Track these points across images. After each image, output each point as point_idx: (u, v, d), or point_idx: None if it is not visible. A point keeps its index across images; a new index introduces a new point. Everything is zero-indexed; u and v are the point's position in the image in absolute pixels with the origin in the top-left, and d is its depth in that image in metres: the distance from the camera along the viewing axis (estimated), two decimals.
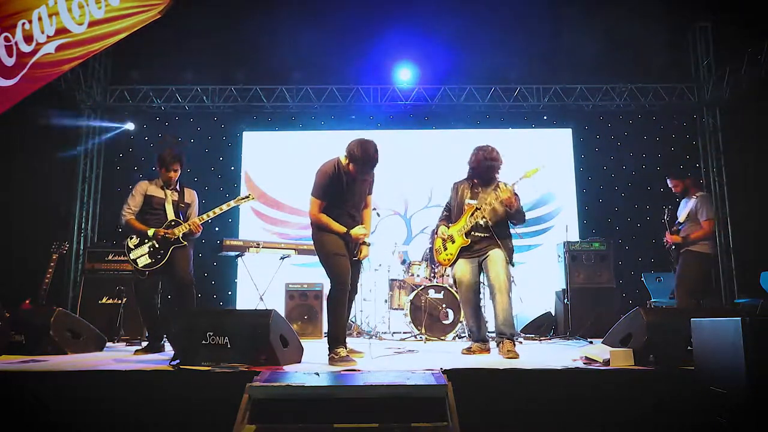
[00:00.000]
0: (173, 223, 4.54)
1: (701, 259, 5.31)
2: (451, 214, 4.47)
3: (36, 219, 7.40)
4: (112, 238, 7.30)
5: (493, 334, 4.21)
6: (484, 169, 4.27)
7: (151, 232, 4.43)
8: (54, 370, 3.25)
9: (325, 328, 5.27)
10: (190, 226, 4.49)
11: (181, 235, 4.47)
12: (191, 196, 4.79)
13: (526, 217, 4.40)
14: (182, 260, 4.49)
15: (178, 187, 4.71)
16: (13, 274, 6.55)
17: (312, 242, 4.05)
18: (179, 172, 4.63)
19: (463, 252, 4.30)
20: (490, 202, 4.17)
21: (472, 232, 4.25)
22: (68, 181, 7.93)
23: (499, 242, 4.17)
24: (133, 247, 4.48)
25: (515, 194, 4.15)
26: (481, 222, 4.21)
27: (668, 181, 5.73)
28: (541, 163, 4.16)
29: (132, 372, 3.18)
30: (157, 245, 4.44)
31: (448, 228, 4.40)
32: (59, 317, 4.35)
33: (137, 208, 4.55)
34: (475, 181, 4.39)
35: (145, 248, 4.45)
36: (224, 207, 4.65)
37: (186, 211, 4.71)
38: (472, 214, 4.23)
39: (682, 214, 5.47)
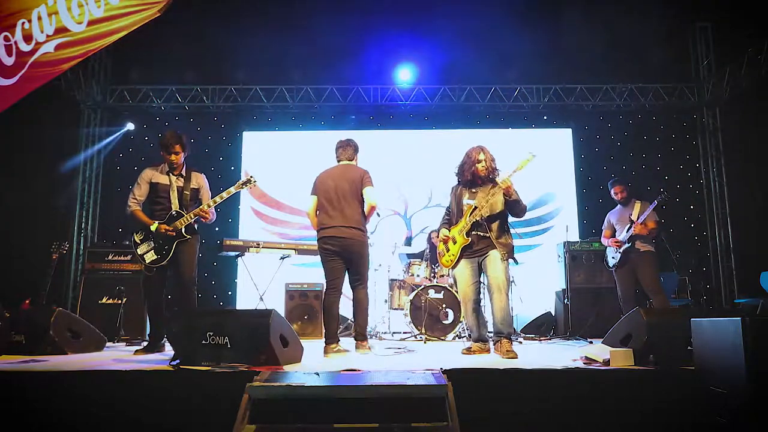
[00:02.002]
0: (175, 214, 4.39)
1: (656, 258, 5.52)
2: (452, 218, 4.47)
3: (36, 219, 7.40)
4: (112, 238, 7.30)
5: (492, 334, 4.21)
6: (469, 173, 4.29)
7: (153, 227, 4.32)
8: (54, 370, 3.23)
9: None
10: (194, 215, 4.35)
11: (183, 228, 4.34)
12: (198, 180, 4.59)
13: (527, 217, 4.40)
14: (187, 258, 4.37)
15: (184, 171, 4.54)
16: (13, 274, 6.55)
17: (315, 242, 4.36)
18: (181, 154, 4.46)
19: (464, 252, 4.30)
20: (488, 199, 4.18)
21: (473, 231, 4.26)
22: (68, 180, 7.94)
23: (499, 242, 4.18)
24: (139, 242, 4.38)
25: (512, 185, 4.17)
26: (479, 219, 4.20)
27: (613, 189, 5.73)
28: (532, 153, 4.12)
29: (132, 372, 3.17)
30: (161, 240, 4.34)
31: (449, 230, 4.40)
32: (59, 317, 4.33)
33: (143, 198, 4.43)
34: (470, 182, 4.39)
35: (152, 243, 4.35)
36: (232, 190, 4.48)
37: (194, 196, 4.54)
38: (471, 213, 4.24)
39: (633, 216, 5.48)
